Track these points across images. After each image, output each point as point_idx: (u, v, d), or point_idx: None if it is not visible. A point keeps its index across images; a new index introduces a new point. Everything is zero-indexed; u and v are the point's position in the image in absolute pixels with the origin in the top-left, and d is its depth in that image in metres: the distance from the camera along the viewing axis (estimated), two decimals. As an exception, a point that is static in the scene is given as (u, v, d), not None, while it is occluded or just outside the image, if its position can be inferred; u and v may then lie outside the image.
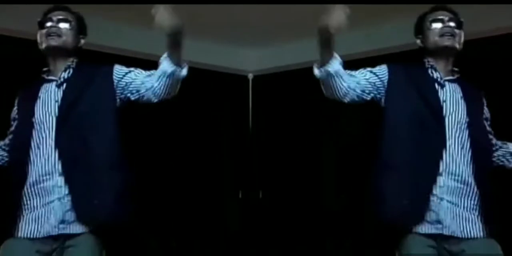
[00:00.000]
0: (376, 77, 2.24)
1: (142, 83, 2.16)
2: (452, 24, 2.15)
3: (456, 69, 2.26)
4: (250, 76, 5.30)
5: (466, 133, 2.11)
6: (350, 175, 4.50)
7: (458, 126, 2.11)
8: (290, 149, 4.94)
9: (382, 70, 2.25)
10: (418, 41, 2.28)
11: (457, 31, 2.14)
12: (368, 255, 4.29)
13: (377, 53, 4.36)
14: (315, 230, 4.61)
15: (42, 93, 2.10)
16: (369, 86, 2.25)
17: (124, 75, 2.19)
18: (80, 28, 2.23)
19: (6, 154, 2.18)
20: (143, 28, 4.40)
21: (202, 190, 4.77)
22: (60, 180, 2.02)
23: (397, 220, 2.15)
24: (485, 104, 2.26)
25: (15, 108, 2.22)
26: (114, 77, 2.18)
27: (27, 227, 2.03)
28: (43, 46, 2.12)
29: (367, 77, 2.27)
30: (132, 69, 2.22)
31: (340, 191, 4.54)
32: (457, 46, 2.16)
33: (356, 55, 4.49)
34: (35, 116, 2.06)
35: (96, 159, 2.04)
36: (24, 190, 2.04)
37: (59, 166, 2.02)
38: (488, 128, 2.27)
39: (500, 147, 2.29)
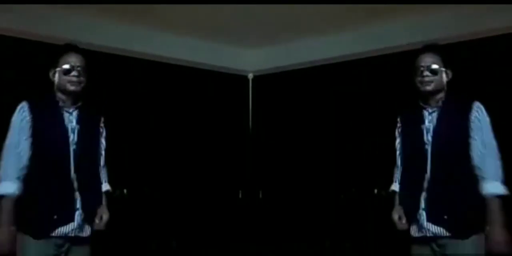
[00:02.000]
0: (398, 144, 2.76)
1: None
2: (432, 69, 2.54)
3: (442, 99, 2.59)
4: (250, 76, 5.30)
5: (430, 153, 2.54)
6: (350, 175, 4.50)
7: (436, 152, 2.53)
8: (290, 149, 4.94)
9: (397, 128, 2.76)
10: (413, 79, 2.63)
11: (434, 77, 2.54)
12: (368, 255, 4.30)
13: (376, 53, 4.36)
14: (315, 230, 4.62)
15: (66, 122, 2.55)
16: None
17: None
18: (87, 68, 2.61)
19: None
20: (141, 27, 4.42)
21: (202, 190, 4.78)
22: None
23: None
24: (472, 114, 2.51)
25: (27, 118, 2.50)
26: (99, 135, 2.72)
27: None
28: (65, 89, 2.52)
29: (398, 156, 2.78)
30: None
31: (340, 191, 4.54)
32: (435, 89, 2.54)
33: (355, 55, 4.51)
34: (70, 140, 2.53)
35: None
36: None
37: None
38: (469, 140, 2.52)
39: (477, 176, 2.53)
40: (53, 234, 2.45)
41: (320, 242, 4.56)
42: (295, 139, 4.92)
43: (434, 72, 2.54)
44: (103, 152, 2.71)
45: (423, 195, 2.51)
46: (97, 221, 2.58)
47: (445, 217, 2.45)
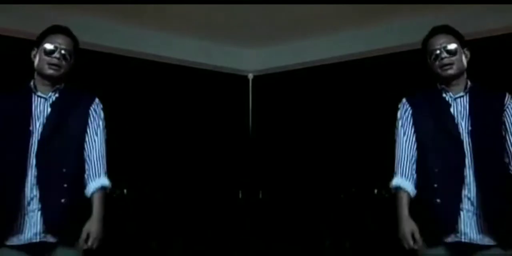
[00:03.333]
0: (408, 129, 2.35)
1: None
2: (448, 50, 2.26)
3: (469, 83, 2.31)
4: (250, 76, 5.30)
5: (470, 143, 2.19)
6: (350, 175, 4.50)
7: (468, 136, 2.20)
8: (290, 149, 4.94)
9: (405, 111, 2.37)
10: (428, 65, 2.34)
11: (454, 58, 2.24)
12: None
13: (376, 53, 4.36)
14: (315, 230, 4.61)
15: (33, 107, 2.21)
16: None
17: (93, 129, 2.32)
18: (75, 54, 2.30)
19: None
20: (140, 27, 4.42)
21: (202, 190, 4.77)
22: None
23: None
24: (506, 107, 2.24)
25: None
26: (89, 119, 2.31)
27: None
28: (42, 72, 2.22)
29: (409, 145, 2.33)
30: (99, 132, 2.33)
31: (340, 191, 4.54)
32: (459, 71, 2.25)
33: (355, 55, 4.51)
34: (31, 128, 2.17)
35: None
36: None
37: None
38: (505, 134, 2.24)
39: None
40: (8, 243, 2.10)
41: (320, 242, 4.56)
42: (295, 139, 4.92)
43: (452, 52, 2.25)
44: (95, 140, 2.29)
45: (464, 193, 2.13)
46: (82, 238, 2.13)
47: (494, 221, 2.11)
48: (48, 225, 2.11)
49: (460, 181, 2.14)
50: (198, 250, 4.60)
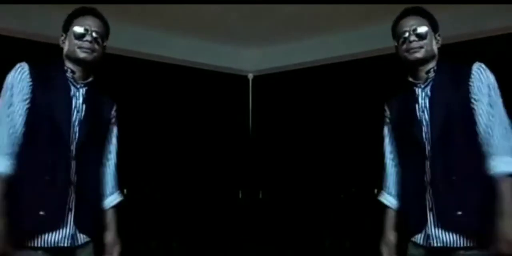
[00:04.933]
0: (386, 139, 2.26)
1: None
2: (418, 33, 2.07)
3: (433, 68, 2.09)
4: (250, 76, 5.30)
5: (431, 141, 2.01)
6: (350, 175, 4.50)
7: (436, 135, 2.00)
8: (290, 149, 4.94)
9: (385, 117, 2.26)
10: (397, 51, 2.19)
11: (423, 42, 2.05)
12: None
13: (376, 53, 4.36)
14: (315, 230, 4.62)
15: (73, 99, 2.03)
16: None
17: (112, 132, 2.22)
18: (106, 38, 2.18)
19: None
20: (138, 27, 4.42)
21: (202, 190, 4.78)
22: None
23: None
24: (471, 82, 2.01)
25: (29, 84, 1.98)
26: (111, 121, 2.22)
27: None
28: (74, 56, 2.04)
29: (390, 149, 2.24)
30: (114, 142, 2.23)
31: (340, 191, 4.54)
32: (427, 55, 2.06)
33: (355, 55, 4.51)
34: (72, 121, 2.00)
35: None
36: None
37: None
38: (474, 110, 2.00)
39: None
40: (37, 244, 1.91)
41: (320, 242, 4.56)
42: (295, 139, 4.92)
43: (421, 36, 2.05)
44: (113, 149, 2.19)
45: (428, 193, 1.97)
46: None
47: (458, 215, 1.91)
48: (80, 227, 1.99)
49: (423, 185, 1.99)
50: (198, 250, 4.60)
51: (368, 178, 4.33)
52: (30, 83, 1.97)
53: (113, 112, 2.20)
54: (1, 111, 1.94)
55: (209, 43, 4.84)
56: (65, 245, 1.94)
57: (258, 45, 4.99)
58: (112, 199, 2.18)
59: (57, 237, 1.93)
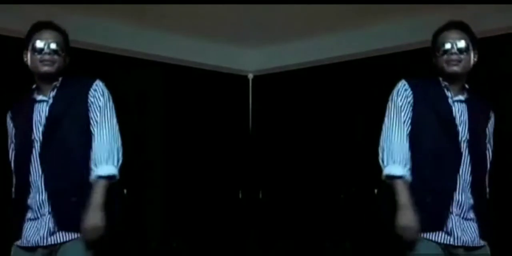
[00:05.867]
0: (407, 118, 2.26)
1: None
2: (460, 47, 2.17)
3: (467, 86, 2.27)
4: (250, 76, 5.30)
5: (467, 151, 2.18)
6: (350, 175, 4.50)
7: (465, 144, 2.18)
8: (290, 149, 4.94)
9: (406, 97, 2.26)
10: (433, 59, 2.27)
11: (463, 56, 2.16)
12: None
13: (376, 53, 4.36)
14: (315, 230, 4.61)
15: (35, 114, 2.17)
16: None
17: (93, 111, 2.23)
18: (67, 48, 2.23)
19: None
20: (138, 27, 4.42)
21: (202, 190, 4.77)
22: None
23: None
24: (490, 119, 2.29)
25: (11, 125, 2.26)
26: (89, 108, 2.23)
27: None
28: (37, 70, 2.16)
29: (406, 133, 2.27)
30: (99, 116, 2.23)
31: (340, 191, 4.54)
32: (464, 71, 2.19)
33: (355, 55, 4.51)
34: (33, 136, 2.15)
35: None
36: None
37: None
38: (487, 145, 2.31)
39: None
40: (22, 244, 2.12)
41: (320, 242, 4.56)
42: (295, 139, 4.92)
43: (462, 50, 2.16)
44: (97, 128, 2.18)
45: (457, 191, 2.13)
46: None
47: (472, 219, 2.16)
48: (60, 224, 2.08)
49: (453, 185, 2.14)
50: (198, 250, 4.60)
51: (368, 178, 4.33)
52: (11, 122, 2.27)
53: (90, 92, 2.21)
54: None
55: (209, 43, 4.84)
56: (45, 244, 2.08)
57: (258, 45, 4.99)
58: (92, 174, 2.12)
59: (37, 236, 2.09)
